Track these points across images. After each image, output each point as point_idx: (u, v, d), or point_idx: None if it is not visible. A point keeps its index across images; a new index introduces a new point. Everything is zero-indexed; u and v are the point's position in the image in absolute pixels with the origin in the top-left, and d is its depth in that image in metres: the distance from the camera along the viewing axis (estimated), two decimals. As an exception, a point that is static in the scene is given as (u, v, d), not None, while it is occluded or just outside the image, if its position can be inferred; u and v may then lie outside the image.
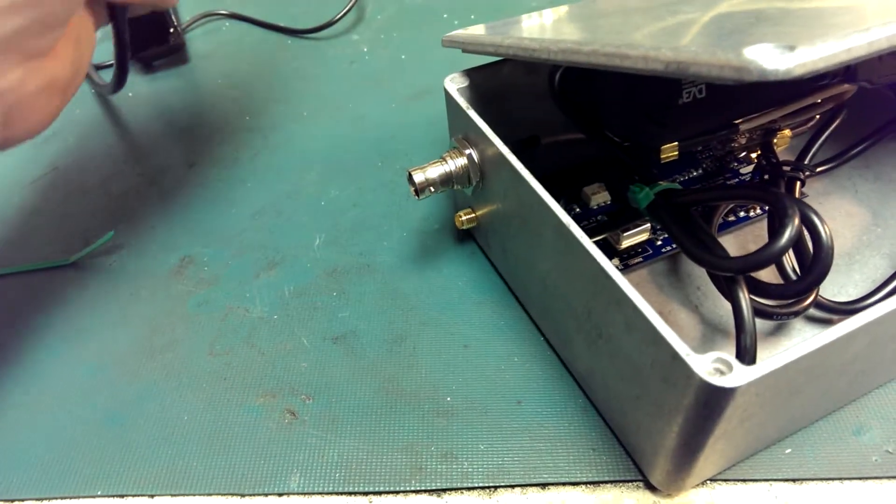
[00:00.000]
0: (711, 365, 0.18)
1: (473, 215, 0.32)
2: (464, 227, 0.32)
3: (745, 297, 0.22)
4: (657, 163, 0.27)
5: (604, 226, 0.30)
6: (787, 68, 0.16)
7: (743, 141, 0.34)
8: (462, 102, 0.28)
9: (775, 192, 0.21)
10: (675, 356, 0.19)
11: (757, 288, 0.23)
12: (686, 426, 0.20)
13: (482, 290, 0.32)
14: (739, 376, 0.18)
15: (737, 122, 0.27)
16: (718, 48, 0.17)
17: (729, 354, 0.18)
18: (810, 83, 0.27)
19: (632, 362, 0.22)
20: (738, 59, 0.17)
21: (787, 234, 0.20)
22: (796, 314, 0.26)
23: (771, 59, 0.16)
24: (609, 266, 0.21)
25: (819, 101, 0.32)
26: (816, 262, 0.21)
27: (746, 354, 0.21)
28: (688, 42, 0.19)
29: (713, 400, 0.19)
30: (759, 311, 0.25)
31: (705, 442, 0.21)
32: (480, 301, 0.32)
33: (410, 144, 0.41)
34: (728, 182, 0.33)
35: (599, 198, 0.33)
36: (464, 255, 0.34)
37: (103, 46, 0.36)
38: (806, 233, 0.24)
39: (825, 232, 0.21)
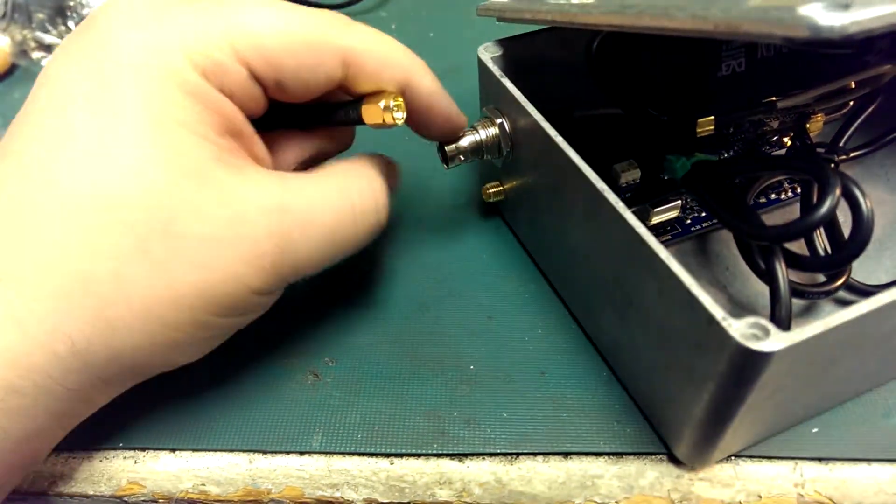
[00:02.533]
0: (748, 329, 0.18)
1: (501, 188, 0.32)
2: (490, 200, 0.32)
3: (781, 267, 0.21)
4: (693, 137, 0.26)
5: (630, 201, 0.29)
6: (842, 25, 0.16)
7: (775, 125, 0.33)
8: (496, 71, 0.28)
9: (816, 161, 0.21)
10: (711, 320, 0.19)
11: (792, 260, 0.23)
12: (717, 394, 0.20)
13: (507, 263, 0.32)
14: (777, 341, 0.18)
15: (774, 99, 0.27)
16: (770, 7, 0.17)
17: (766, 320, 0.18)
18: (852, 60, 0.26)
19: (663, 330, 0.22)
20: (791, 17, 0.16)
21: (828, 203, 0.20)
22: (828, 293, 0.26)
23: (825, 16, 0.16)
24: (644, 231, 0.21)
25: (853, 85, 0.32)
26: (856, 233, 0.21)
27: (782, 324, 0.21)
28: (736, 2, 0.19)
29: (748, 365, 0.18)
30: (791, 290, 0.25)
31: (736, 412, 0.20)
32: (505, 274, 0.31)
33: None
34: (765, 153, 0.33)
35: (629, 175, 0.32)
36: (489, 229, 0.34)
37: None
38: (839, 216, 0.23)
39: (866, 204, 0.21)
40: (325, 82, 0.23)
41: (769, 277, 0.22)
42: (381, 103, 0.24)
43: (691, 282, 0.19)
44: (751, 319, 0.18)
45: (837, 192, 0.20)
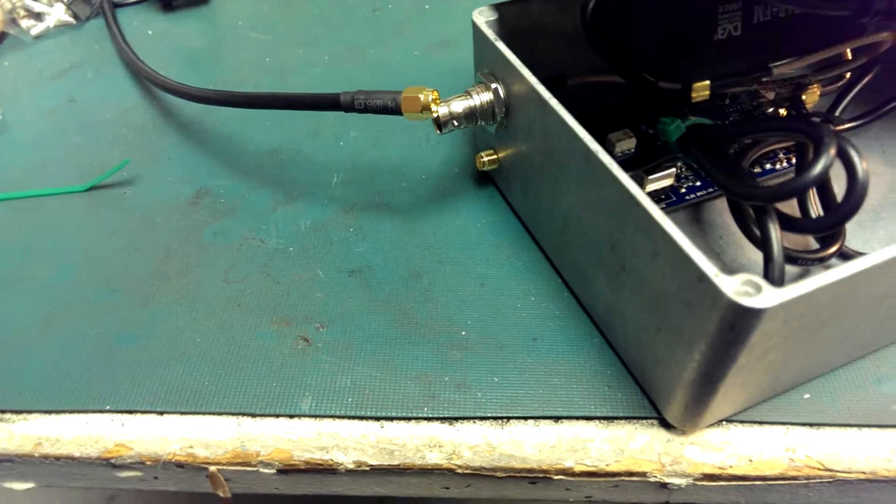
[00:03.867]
0: (741, 286, 0.18)
1: (495, 156, 0.32)
2: (484, 169, 0.32)
3: (775, 228, 0.21)
4: (688, 102, 0.26)
5: (624, 169, 0.29)
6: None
7: (771, 96, 0.33)
8: (490, 34, 0.28)
9: (811, 122, 0.21)
10: (703, 277, 0.19)
11: (786, 222, 0.23)
12: (709, 354, 0.20)
13: (500, 232, 0.32)
14: (769, 297, 0.18)
15: (771, 65, 0.27)
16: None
17: (758, 277, 0.18)
18: (849, 24, 0.26)
19: (655, 291, 0.22)
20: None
21: (823, 162, 0.20)
22: (822, 260, 0.25)
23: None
24: (637, 191, 0.21)
25: (850, 56, 0.32)
26: (851, 193, 0.21)
27: (774, 283, 0.21)
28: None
29: (740, 322, 0.18)
30: (785, 255, 0.24)
31: (727, 372, 0.20)
32: (498, 242, 0.31)
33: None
34: (759, 116, 0.32)
35: (624, 145, 0.32)
36: (483, 199, 0.33)
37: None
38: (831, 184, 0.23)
39: (861, 164, 0.21)
40: None
41: (762, 237, 0.21)
42: (421, 96, 0.27)
43: (684, 240, 0.19)
44: (743, 276, 0.18)
45: (832, 150, 0.20)
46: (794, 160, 0.31)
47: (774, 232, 0.21)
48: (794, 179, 0.20)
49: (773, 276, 0.21)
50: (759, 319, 0.18)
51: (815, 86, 0.32)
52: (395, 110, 0.28)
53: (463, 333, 0.28)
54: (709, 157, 0.23)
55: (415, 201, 0.34)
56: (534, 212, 0.30)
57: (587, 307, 0.28)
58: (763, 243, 0.22)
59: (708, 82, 0.26)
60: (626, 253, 0.23)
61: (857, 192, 0.20)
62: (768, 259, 0.21)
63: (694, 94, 0.25)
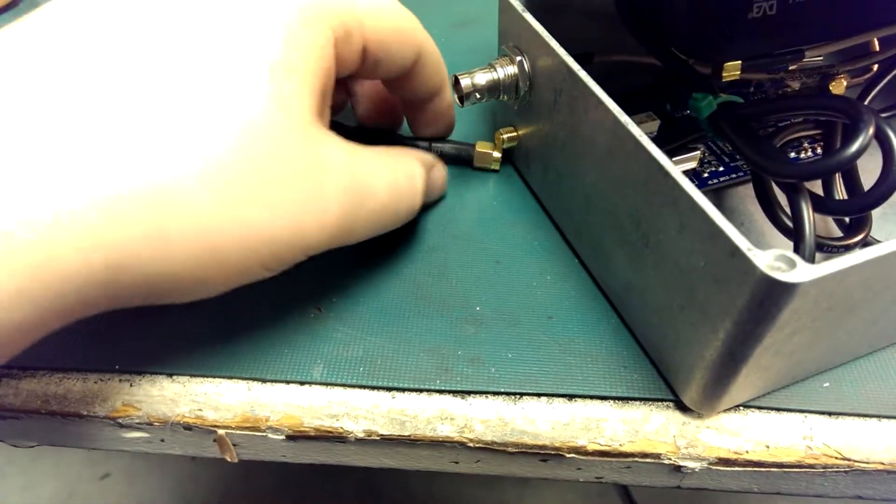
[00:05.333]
0: (774, 261, 0.18)
1: (515, 134, 0.31)
2: (504, 146, 0.32)
3: (807, 207, 0.21)
4: (718, 82, 0.26)
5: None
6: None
7: (796, 86, 0.33)
8: (518, 6, 0.27)
9: (850, 99, 0.20)
10: (735, 251, 0.18)
11: (816, 203, 0.22)
12: (734, 332, 0.20)
13: (517, 210, 0.31)
14: (802, 273, 0.17)
15: (803, 48, 0.26)
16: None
17: (791, 252, 0.18)
18: (887, 8, 0.26)
19: (680, 268, 0.21)
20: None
21: (860, 141, 0.19)
22: (847, 248, 0.25)
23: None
24: (667, 162, 0.20)
25: (878, 48, 0.31)
26: (886, 175, 0.20)
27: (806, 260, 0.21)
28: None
29: (771, 298, 0.18)
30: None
31: (751, 353, 0.20)
32: (515, 221, 0.31)
33: (450, 70, 0.40)
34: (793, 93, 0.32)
35: (647, 127, 0.31)
36: (500, 177, 0.33)
37: None
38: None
39: (899, 146, 0.20)
40: (401, 69, 0.25)
41: (794, 216, 0.21)
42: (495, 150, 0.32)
43: (716, 213, 0.19)
44: (776, 251, 0.18)
45: (871, 130, 0.19)
46: (819, 150, 0.31)
47: (807, 211, 0.21)
48: (830, 157, 0.20)
49: (804, 256, 0.21)
50: (792, 295, 0.18)
51: (843, 76, 0.31)
52: (468, 161, 0.32)
53: (477, 309, 0.27)
54: (740, 134, 0.23)
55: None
56: (553, 190, 0.30)
57: (605, 288, 0.27)
58: (794, 223, 0.21)
59: (739, 62, 0.25)
60: (650, 228, 0.22)
61: (893, 173, 0.20)
62: (799, 238, 0.21)
63: (725, 74, 0.25)
